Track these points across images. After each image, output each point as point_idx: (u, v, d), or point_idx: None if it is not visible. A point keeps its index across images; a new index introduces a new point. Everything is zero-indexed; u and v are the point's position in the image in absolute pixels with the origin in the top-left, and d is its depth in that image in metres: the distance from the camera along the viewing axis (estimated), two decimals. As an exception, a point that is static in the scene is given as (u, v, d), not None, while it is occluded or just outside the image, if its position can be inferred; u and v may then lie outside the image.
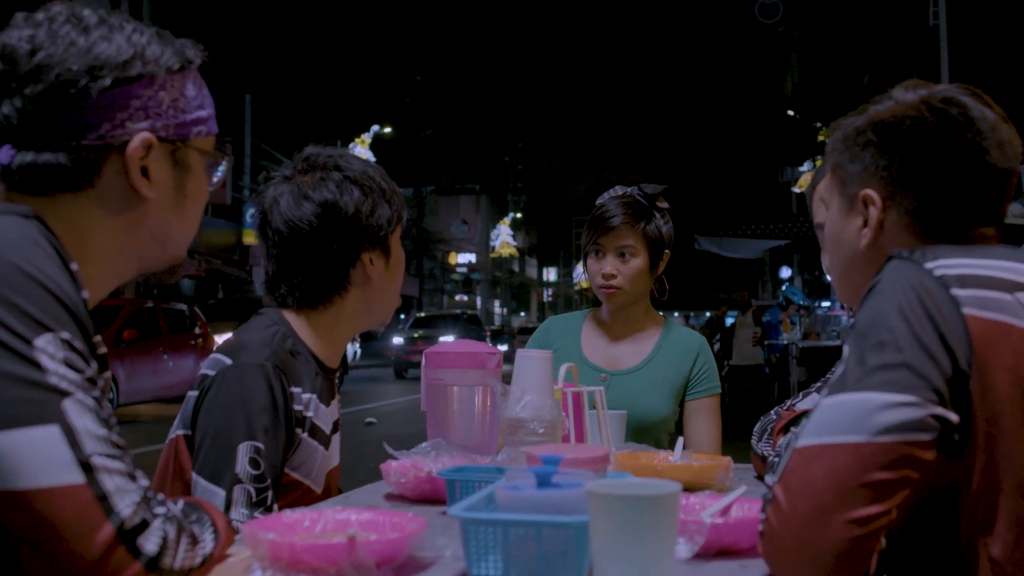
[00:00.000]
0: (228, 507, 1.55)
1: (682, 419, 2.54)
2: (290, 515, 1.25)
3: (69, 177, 1.15)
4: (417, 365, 23.58)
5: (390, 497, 1.66)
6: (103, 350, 1.37)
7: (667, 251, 2.56)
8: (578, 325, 2.65)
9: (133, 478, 1.00)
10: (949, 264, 1.11)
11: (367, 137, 33.56)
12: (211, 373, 1.66)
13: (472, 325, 26.74)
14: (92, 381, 1.04)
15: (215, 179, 1.32)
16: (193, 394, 1.67)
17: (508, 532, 1.07)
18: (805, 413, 1.78)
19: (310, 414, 1.73)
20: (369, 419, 12.08)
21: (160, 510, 1.01)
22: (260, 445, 1.59)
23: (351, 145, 32.65)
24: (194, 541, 1.06)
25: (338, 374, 1.96)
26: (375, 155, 33.42)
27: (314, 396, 1.74)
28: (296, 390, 1.70)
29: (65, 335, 1.02)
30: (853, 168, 1.28)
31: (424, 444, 1.74)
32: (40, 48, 1.13)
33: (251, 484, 1.57)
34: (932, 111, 1.22)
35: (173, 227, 1.25)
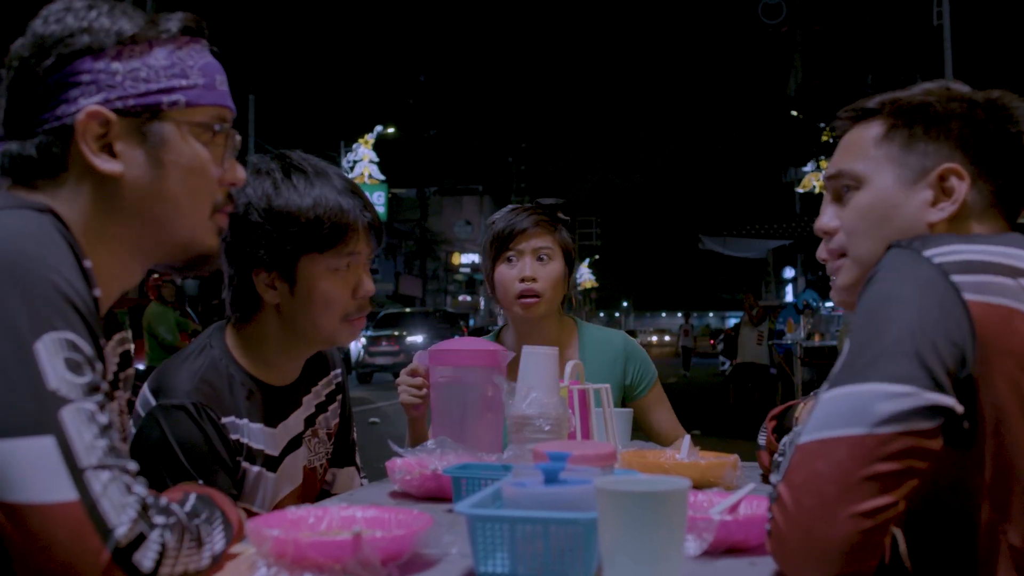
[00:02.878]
0: None
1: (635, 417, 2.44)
2: (295, 512, 1.24)
3: (41, 165, 1.14)
4: (382, 369, 21.49)
5: (395, 495, 1.66)
6: (130, 346, 1.35)
7: (574, 265, 2.37)
8: None
9: (130, 489, 0.97)
10: (949, 251, 1.09)
11: (370, 137, 33.54)
12: (141, 412, 1.60)
13: (444, 323, 23.84)
14: (94, 387, 1.01)
15: (218, 150, 1.23)
16: (132, 430, 1.59)
17: (515, 529, 1.06)
18: (792, 407, 1.76)
19: (245, 440, 1.65)
20: (372, 419, 12.08)
21: (159, 519, 0.99)
22: (200, 481, 1.54)
23: (354, 145, 32.67)
24: (200, 543, 1.05)
25: (333, 381, 1.91)
26: (378, 155, 33.45)
27: (246, 420, 1.66)
28: (229, 419, 1.62)
29: (69, 336, 1.00)
30: (930, 137, 1.24)
31: (429, 442, 1.73)
32: (17, 47, 1.15)
33: None
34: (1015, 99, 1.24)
35: (160, 207, 1.18)
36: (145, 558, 0.95)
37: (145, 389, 1.62)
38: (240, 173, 1.27)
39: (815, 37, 28.31)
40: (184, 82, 1.18)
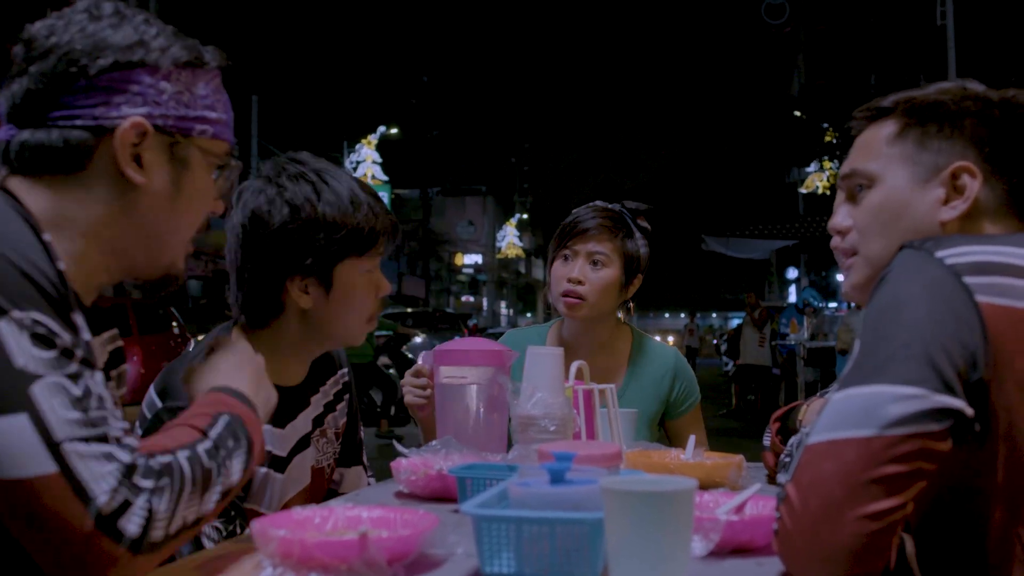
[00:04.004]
0: None
1: (668, 435, 2.45)
2: (301, 512, 1.24)
3: (61, 158, 1.15)
4: None
5: (400, 495, 1.66)
6: (119, 344, 1.36)
7: (640, 275, 2.37)
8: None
9: (110, 457, 0.99)
10: (961, 252, 1.09)
11: (373, 138, 33.51)
12: (148, 415, 1.59)
13: (445, 324, 23.63)
14: (68, 353, 1.02)
15: (222, 184, 1.29)
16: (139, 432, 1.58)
17: (521, 529, 1.06)
18: (796, 407, 1.76)
19: None
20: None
21: (146, 483, 1.00)
22: None
23: (357, 146, 32.67)
24: (206, 487, 1.07)
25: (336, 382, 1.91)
26: (381, 156, 33.44)
27: None
28: None
29: (32, 313, 1.01)
30: (943, 135, 1.24)
31: (434, 442, 1.73)
32: (54, 33, 1.15)
33: (217, 521, 1.54)
34: None
35: (164, 224, 1.22)
36: (130, 523, 0.98)
37: (151, 391, 1.61)
38: (220, 205, 1.32)
39: (818, 37, 28.27)
40: (213, 115, 1.24)
